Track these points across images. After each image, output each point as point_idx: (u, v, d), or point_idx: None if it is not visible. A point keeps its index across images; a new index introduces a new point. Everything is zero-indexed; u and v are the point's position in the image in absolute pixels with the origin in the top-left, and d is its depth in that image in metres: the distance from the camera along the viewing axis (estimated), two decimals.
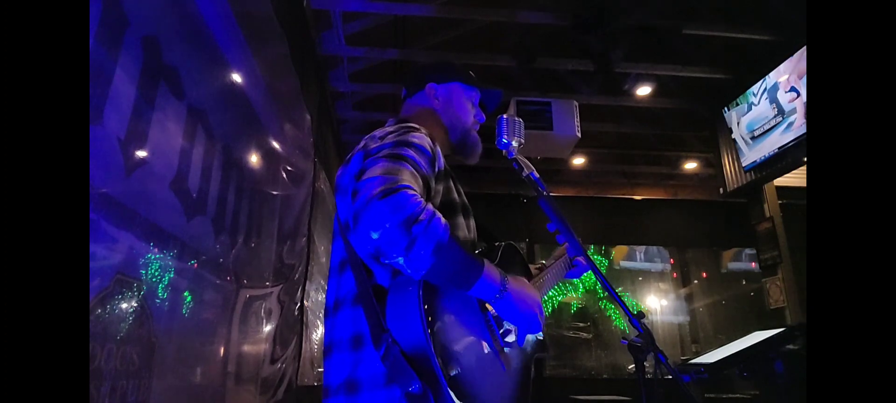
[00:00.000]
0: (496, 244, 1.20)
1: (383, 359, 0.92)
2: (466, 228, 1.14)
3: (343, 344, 1.02)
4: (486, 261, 0.97)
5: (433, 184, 1.06)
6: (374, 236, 0.85)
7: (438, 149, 1.13)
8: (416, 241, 0.85)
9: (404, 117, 1.29)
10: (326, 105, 4.40)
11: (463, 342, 0.96)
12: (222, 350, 2.48)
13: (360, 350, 0.98)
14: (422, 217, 0.87)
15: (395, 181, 0.91)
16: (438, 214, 0.90)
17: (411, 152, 1.01)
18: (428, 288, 0.93)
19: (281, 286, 3.02)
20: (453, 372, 0.90)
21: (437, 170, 1.09)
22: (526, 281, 1.08)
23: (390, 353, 0.90)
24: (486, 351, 1.00)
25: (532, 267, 1.35)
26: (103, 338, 1.49)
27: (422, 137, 1.08)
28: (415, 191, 0.91)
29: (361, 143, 1.12)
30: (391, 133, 1.09)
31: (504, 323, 1.06)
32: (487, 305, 1.03)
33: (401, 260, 0.87)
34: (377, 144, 1.05)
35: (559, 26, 3.95)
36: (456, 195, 1.15)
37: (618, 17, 3.79)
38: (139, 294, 1.70)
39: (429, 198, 1.03)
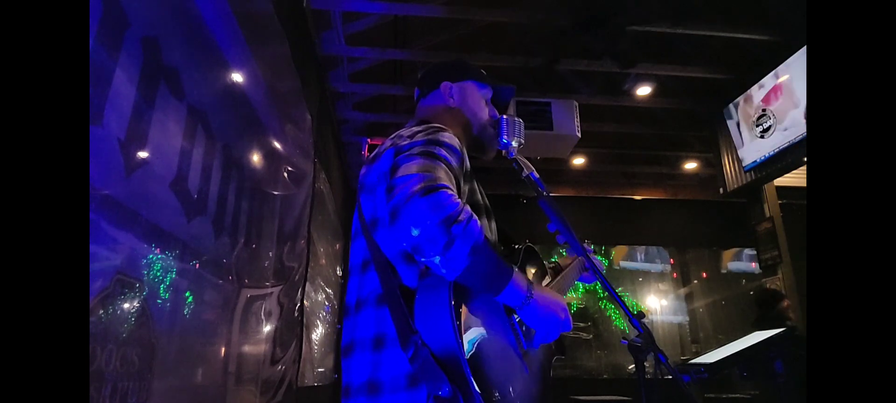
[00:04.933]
0: (516, 247, 1.20)
1: (411, 361, 0.91)
2: (489, 230, 1.14)
3: (365, 344, 1.01)
4: (514, 268, 0.97)
5: (462, 184, 1.07)
6: (415, 233, 0.86)
7: (465, 150, 1.13)
8: (454, 241, 0.86)
9: (424, 118, 1.28)
10: (326, 105, 4.40)
11: (488, 344, 0.96)
12: (223, 351, 2.48)
13: (382, 351, 0.98)
14: (461, 217, 0.87)
15: (434, 178, 0.91)
16: (475, 216, 0.90)
17: (443, 151, 1.01)
18: (456, 290, 0.92)
19: (281, 287, 3.02)
20: (481, 375, 0.89)
21: (464, 170, 1.09)
22: (550, 289, 1.08)
23: (419, 355, 0.90)
24: (511, 354, 1.00)
25: (547, 266, 1.36)
26: (104, 339, 1.49)
27: (451, 137, 1.08)
28: (452, 190, 0.92)
29: (389, 142, 1.11)
30: (420, 132, 1.08)
31: (525, 325, 1.06)
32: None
33: (437, 259, 0.87)
34: (407, 142, 1.04)
35: (559, 26, 3.96)
36: (479, 197, 1.15)
37: (618, 17, 3.79)
38: (140, 294, 1.70)
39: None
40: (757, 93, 4.44)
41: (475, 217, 0.90)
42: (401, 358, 0.94)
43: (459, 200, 0.90)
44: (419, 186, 0.88)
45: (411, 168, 0.94)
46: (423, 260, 0.89)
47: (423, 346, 0.90)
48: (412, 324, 0.93)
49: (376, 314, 1.01)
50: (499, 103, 1.41)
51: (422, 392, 0.91)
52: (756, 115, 4.47)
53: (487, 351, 0.94)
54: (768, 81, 4.30)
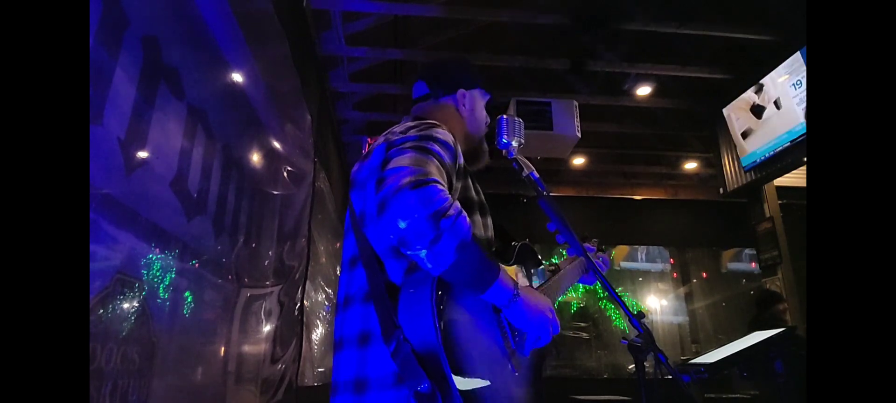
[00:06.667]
0: (512, 244, 1.19)
1: (393, 356, 0.91)
2: (483, 227, 1.14)
3: (351, 341, 1.01)
4: (501, 267, 0.96)
5: (454, 180, 1.06)
6: (402, 225, 0.85)
7: (459, 146, 1.13)
8: (442, 236, 0.85)
9: (424, 115, 1.28)
10: (326, 105, 4.40)
11: (474, 342, 0.95)
12: (223, 350, 2.48)
13: (367, 347, 0.98)
14: (450, 212, 0.87)
15: (424, 173, 0.91)
16: (464, 212, 0.90)
17: (436, 147, 1.01)
18: (441, 286, 0.92)
19: (281, 286, 3.02)
20: (462, 372, 0.89)
21: (457, 166, 1.09)
22: (537, 291, 1.08)
23: (401, 350, 0.90)
24: (496, 353, 0.99)
25: (546, 267, 1.35)
26: (104, 338, 1.49)
27: (445, 133, 1.08)
28: (443, 185, 0.91)
29: (381, 139, 1.11)
30: (413, 128, 1.08)
31: (515, 328, 1.05)
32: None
33: (423, 253, 0.86)
34: (400, 138, 1.04)
35: (559, 26, 3.96)
36: (474, 193, 1.15)
37: (618, 17, 3.79)
38: (140, 294, 1.70)
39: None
40: (755, 93, 4.45)
41: (464, 213, 0.90)
42: (386, 355, 0.93)
43: (449, 195, 0.90)
44: (409, 179, 0.88)
45: (402, 161, 0.93)
46: (409, 253, 0.88)
47: (405, 341, 0.90)
48: (395, 319, 0.93)
49: (363, 311, 1.01)
50: (488, 108, 1.42)
51: (405, 391, 0.91)
52: (755, 115, 4.47)
53: (473, 350, 0.94)
54: (766, 81, 4.30)
